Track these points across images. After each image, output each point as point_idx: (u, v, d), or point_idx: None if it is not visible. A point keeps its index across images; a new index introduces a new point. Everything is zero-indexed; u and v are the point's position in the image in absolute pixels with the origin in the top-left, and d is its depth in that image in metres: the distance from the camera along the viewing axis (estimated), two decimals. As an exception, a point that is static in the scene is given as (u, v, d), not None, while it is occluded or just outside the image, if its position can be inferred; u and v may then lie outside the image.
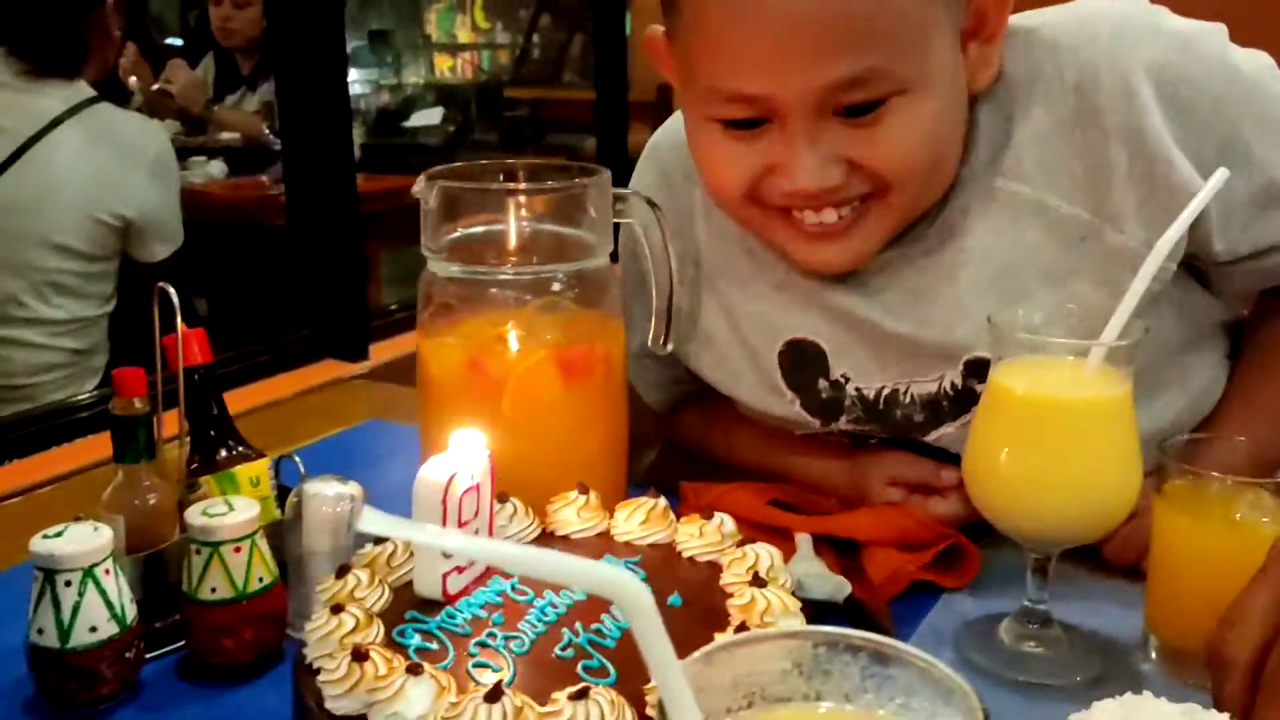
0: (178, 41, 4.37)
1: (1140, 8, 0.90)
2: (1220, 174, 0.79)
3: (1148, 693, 0.68)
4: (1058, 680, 0.81)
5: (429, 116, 4.75)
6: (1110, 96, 0.86)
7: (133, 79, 3.11)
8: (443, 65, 6.59)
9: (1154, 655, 0.84)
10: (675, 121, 1.07)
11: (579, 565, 0.34)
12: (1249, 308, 1.03)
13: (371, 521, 0.34)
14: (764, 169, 0.87)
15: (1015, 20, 0.90)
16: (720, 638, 0.69)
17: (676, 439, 1.21)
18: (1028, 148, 0.89)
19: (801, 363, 1.00)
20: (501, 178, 0.96)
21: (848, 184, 0.86)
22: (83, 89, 2.10)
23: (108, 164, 2.10)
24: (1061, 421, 0.80)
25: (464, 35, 6.80)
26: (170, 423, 0.92)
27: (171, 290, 0.88)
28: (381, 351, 2.09)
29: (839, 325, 0.97)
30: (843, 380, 0.99)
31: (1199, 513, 0.81)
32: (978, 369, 0.91)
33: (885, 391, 0.98)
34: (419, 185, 0.91)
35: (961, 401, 0.94)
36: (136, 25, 3.57)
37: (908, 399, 0.97)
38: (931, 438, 0.98)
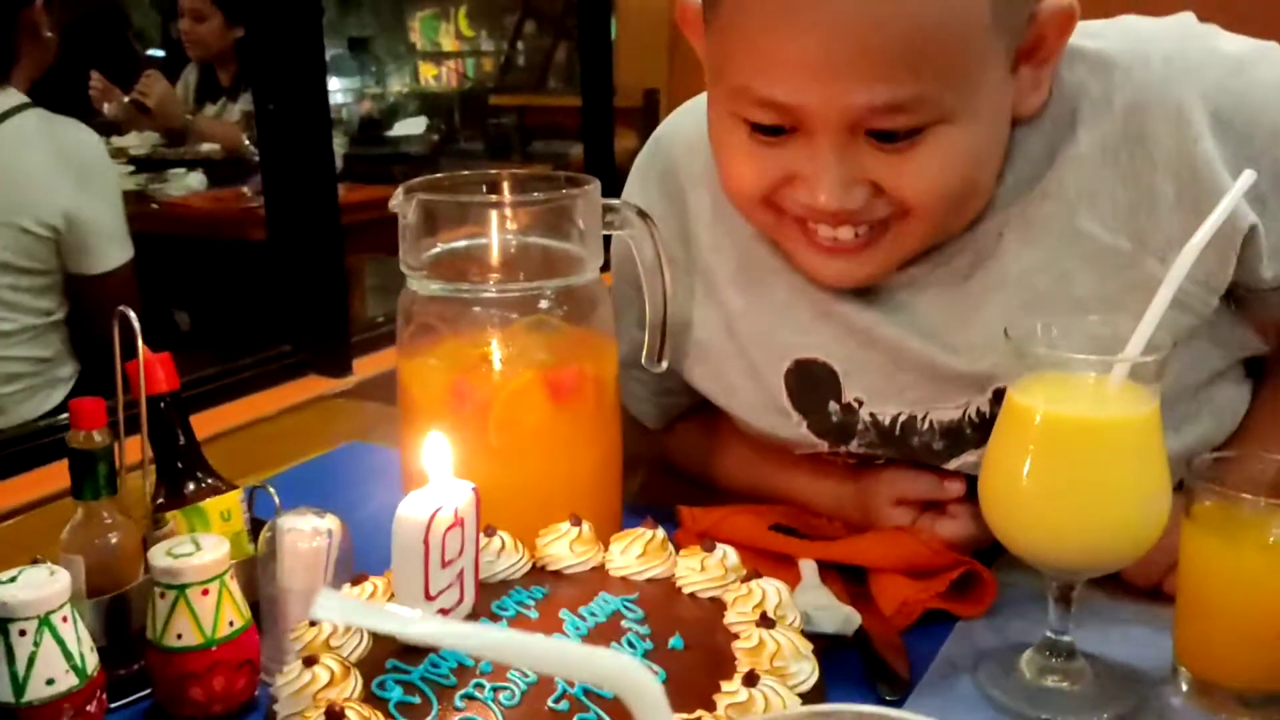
0: (159, 53, 4.33)
1: (1196, 30, 0.86)
2: (1247, 175, 0.75)
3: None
4: (1084, 718, 0.76)
5: (412, 125, 4.71)
6: (1161, 124, 0.82)
7: (106, 105, 3.06)
8: (427, 73, 6.55)
9: (1185, 688, 0.79)
10: (681, 118, 1.02)
11: (574, 653, 0.29)
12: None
13: (329, 610, 0.29)
14: (785, 177, 0.83)
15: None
16: (723, 696, 0.64)
17: (668, 457, 1.16)
18: (1069, 172, 0.85)
19: (810, 384, 0.94)
20: (484, 190, 0.90)
21: (870, 206, 0.81)
22: (12, 95, 2.04)
23: (34, 172, 2.03)
24: (1084, 442, 0.75)
25: (448, 43, 6.76)
26: (134, 453, 0.86)
27: (132, 314, 0.83)
28: (365, 366, 2.03)
29: (854, 344, 0.92)
30: (856, 404, 0.93)
31: (1231, 535, 0.77)
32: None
33: (903, 418, 0.92)
34: (396, 199, 0.86)
35: (987, 429, 0.84)
36: (117, 39, 3.52)
37: (926, 426, 0.92)
38: (952, 465, 0.93)
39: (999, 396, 0.84)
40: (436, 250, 0.87)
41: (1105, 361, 0.75)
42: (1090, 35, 0.86)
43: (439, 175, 0.90)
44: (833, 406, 0.94)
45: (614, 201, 0.90)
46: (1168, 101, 0.81)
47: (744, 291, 0.96)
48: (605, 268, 0.92)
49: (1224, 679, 0.77)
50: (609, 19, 3.95)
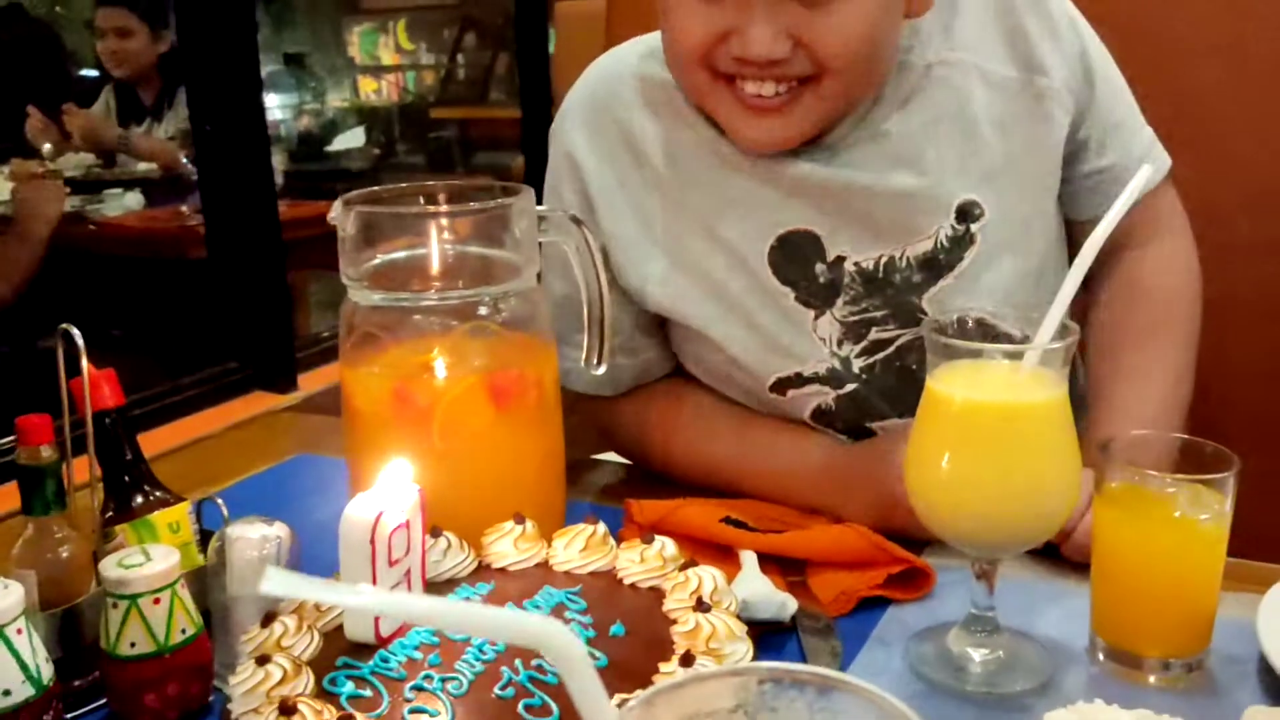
0: (93, 73, 4.29)
1: None
2: (1145, 169, 0.80)
3: (1099, 700, 0.67)
4: (1007, 688, 0.80)
5: (352, 139, 4.70)
6: None
7: (45, 145, 3.02)
8: (367, 88, 6.52)
9: (1101, 657, 0.83)
10: (606, 60, 1.13)
11: (501, 618, 0.32)
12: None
13: (276, 582, 0.31)
14: (722, 32, 0.94)
15: None
16: (665, 667, 0.67)
17: (616, 435, 1.17)
18: (961, 30, 1.04)
19: (794, 254, 1.04)
20: (421, 201, 0.93)
21: (791, 59, 0.94)
22: None
23: None
24: (999, 426, 0.79)
25: (387, 57, 6.73)
26: (81, 470, 0.87)
27: (75, 331, 0.84)
28: (311, 381, 2.05)
29: (833, 205, 1.02)
30: (842, 257, 1.03)
31: (1140, 512, 0.81)
32: (967, 213, 1.02)
33: (884, 259, 1.03)
34: (335, 211, 0.88)
35: (954, 249, 1.03)
36: (50, 63, 3.47)
37: (904, 263, 1.03)
38: (929, 294, 1.04)
39: (960, 215, 1.03)
40: (376, 261, 0.89)
41: (1017, 350, 0.79)
42: None
43: (377, 188, 0.93)
44: (819, 268, 1.04)
45: (547, 210, 0.93)
46: None
47: (711, 192, 1.05)
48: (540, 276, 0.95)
49: (1137, 647, 0.82)
50: (547, 32, 3.98)
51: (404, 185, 0.94)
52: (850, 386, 1.06)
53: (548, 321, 0.94)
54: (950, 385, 0.79)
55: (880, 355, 1.05)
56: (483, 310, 0.89)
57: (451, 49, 6.45)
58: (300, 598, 0.30)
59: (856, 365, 1.05)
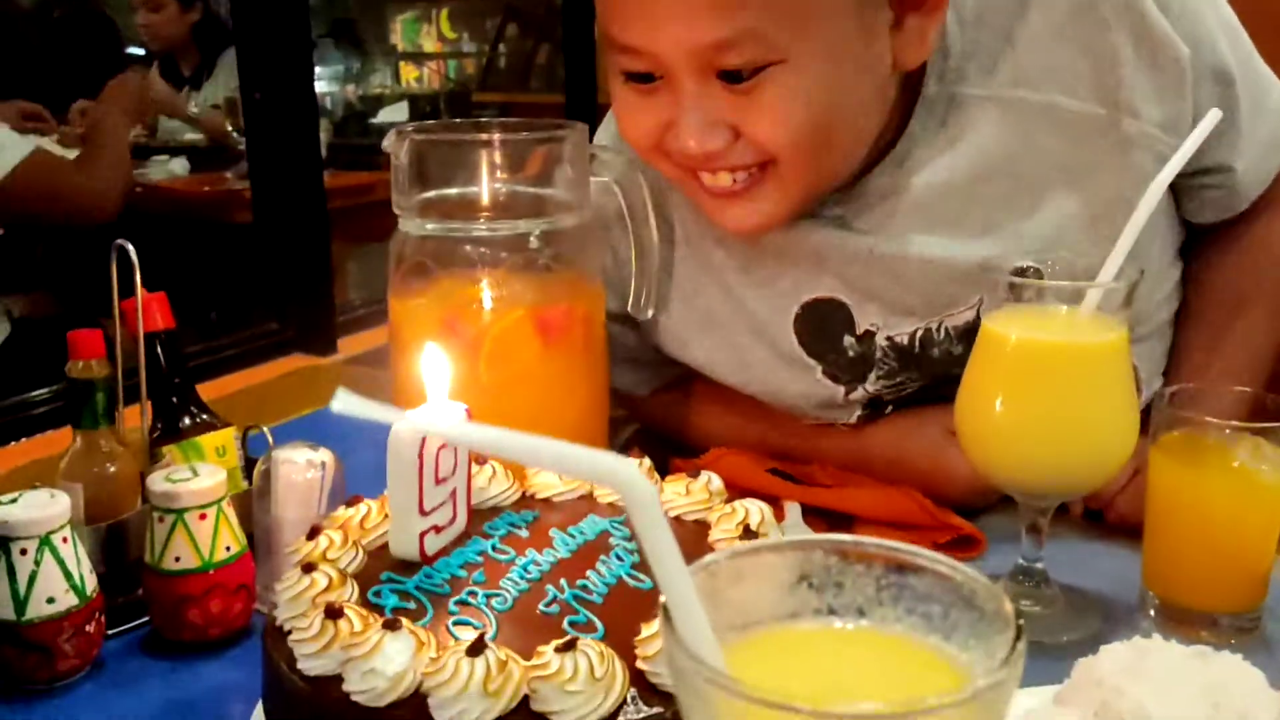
0: (140, 51, 4.33)
1: None
2: (1214, 114, 0.78)
3: (1157, 636, 0.66)
4: (1056, 638, 0.79)
5: (396, 113, 4.72)
6: None
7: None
8: (409, 75, 6.55)
9: (1152, 613, 0.82)
10: None
11: (576, 453, 0.31)
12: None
13: (345, 403, 0.31)
14: (662, 125, 0.86)
15: None
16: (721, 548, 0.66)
17: (650, 424, 1.15)
18: (1028, 53, 0.88)
19: (821, 324, 0.96)
20: (475, 133, 0.93)
21: (732, 150, 0.85)
22: None
23: None
24: (1056, 368, 0.77)
25: (429, 45, 6.77)
26: (133, 413, 0.88)
27: (130, 248, 0.84)
28: (350, 345, 2.05)
29: (858, 271, 0.93)
30: (872, 330, 0.95)
31: (1196, 462, 0.79)
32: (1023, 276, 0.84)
33: (919, 333, 0.94)
34: (389, 140, 0.88)
35: None
36: (107, 44, 3.51)
37: (943, 335, 0.94)
38: None
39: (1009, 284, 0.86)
40: (428, 193, 0.89)
41: (1077, 290, 0.77)
42: None
43: (430, 121, 0.92)
44: (848, 341, 0.95)
45: (600, 145, 0.93)
46: None
47: (733, 249, 0.97)
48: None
49: (1190, 602, 0.80)
50: (592, 20, 3.97)
51: (458, 120, 0.94)
52: (888, 410, 1.01)
53: (597, 259, 0.93)
54: (1007, 325, 0.78)
55: (918, 397, 0.99)
56: (533, 244, 0.88)
57: (494, 38, 6.47)
58: (370, 418, 0.30)
59: (889, 409, 1.01)
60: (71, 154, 2.31)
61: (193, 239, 2.60)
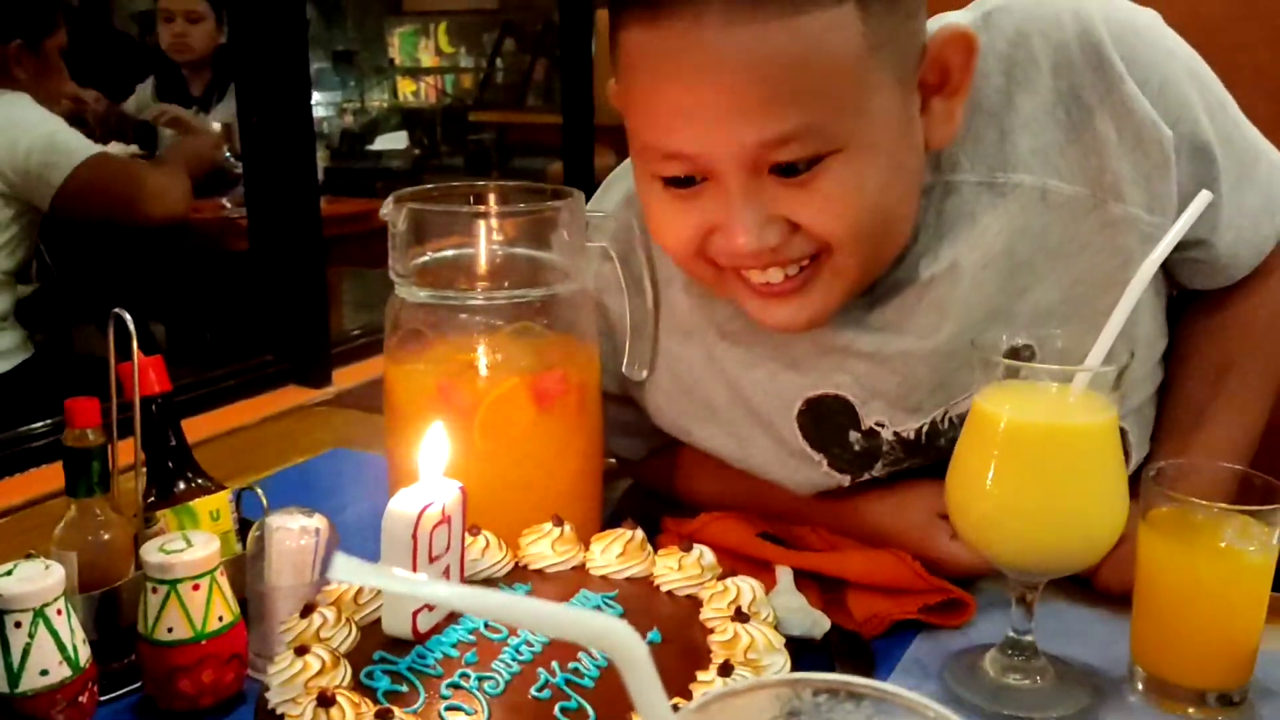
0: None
1: None
2: (1204, 196, 0.79)
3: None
4: (1045, 714, 0.79)
5: (394, 140, 4.73)
6: (1085, 72, 0.86)
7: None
8: (406, 89, 6.57)
9: (1140, 687, 0.82)
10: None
11: (566, 616, 0.31)
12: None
13: (344, 570, 0.31)
14: (706, 228, 0.84)
15: (962, 14, 0.90)
16: (703, 676, 0.66)
17: (641, 482, 1.15)
18: (1020, 137, 0.88)
19: (825, 419, 0.95)
20: (472, 200, 0.93)
21: (789, 244, 0.83)
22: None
23: None
24: (1047, 448, 0.78)
25: (427, 59, 6.79)
26: (126, 454, 0.88)
27: (127, 316, 0.85)
28: (345, 378, 2.05)
29: (864, 369, 0.93)
30: (878, 428, 0.95)
31: (1185, 540, 0.80)
32: (1016, 355, 0.84)
33: (925, 427, 0.94)
34: (387, 208, 0.88)
35: None
36: (107, 43, 3.51)
37: (947, 424, 0.94)
38: None
39: (1008, 368, 0.84)
40: (425, 258, 0.90)
41: (1067, 372, 0.78)
42: (989, 5, 0.90)
43: (428, 186, 0.93)
44: (853, 436, 0.95)
45: (597, 212, 0.93)
46: (1087, 49, 0.86)
47: (737, 342, 0.96)
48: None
49: (1178, 678, 0.81)
50: (590, 38, 3.99)
51: (455, 184, 0.94)
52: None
53: (593, 325, 0.94)
54: (998, 405, 0.79)
55: (918, 462, 0.98)
56: (528, 311, 0.89)
57: (491, 54, 6.49)
58: (369, 585, 0.30)
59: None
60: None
61: (187, 266, 2.60)
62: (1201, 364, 1.00)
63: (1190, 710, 0.80)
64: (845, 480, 0.98)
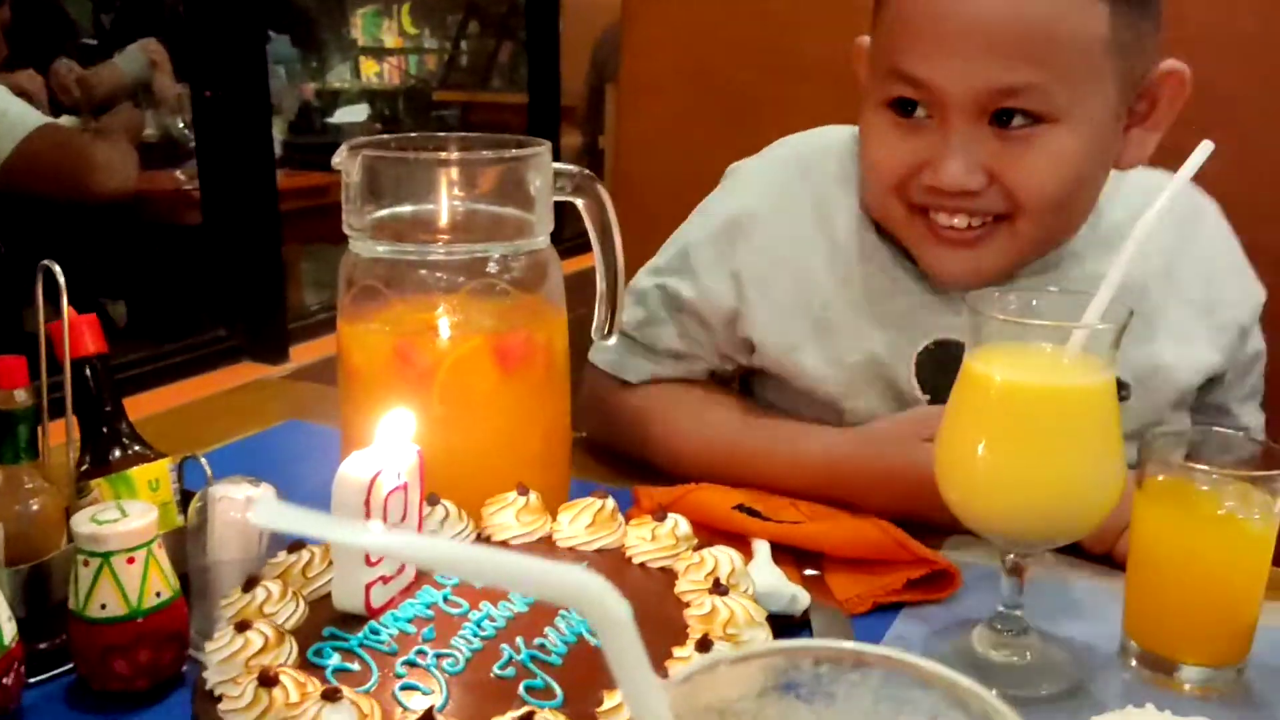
0: (91, 41, 4.24)
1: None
2: (1206, 145, 0.75)
3: (1150, 705, 0.62)
4: (1035, 691, 0.76)
5: (354, 113, 4.64)
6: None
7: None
8: (369, 70, 6.47)
9: (1133, 662, 0.79)
10: (814, 132, 1.11)
11: (531, 567, 0.26)
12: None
13: (267, 514, 0.26)
14: (918, 163, 0.93)
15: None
16: (679, 652, 0.62)
17: (622, 430, 1.10)
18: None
19: (943, 366, 0.99)
20: (432, 150, 0.87)
21: (984, 193, 0.92)
22: None
23: None
24: (1041, 410, 0.74)
25: (390, 40, 6.69)
26: (58, 421, 0.82)
27: (57, 269, 0.79)
28: (303, 354, 1.99)
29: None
30: None
31: (1183, 507, 0.76)
32: (1122, 388, 0.94)
33: None
34: (340, 156, 0.83)
35: None
36: (59, 36, 3.40)
37: None
38: None
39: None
40: (381, 212, 0.84)
41: (1063, 329, 0.74)
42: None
43: (385, 135, 0.87)
44: None
45: (566, 167, 0.88)
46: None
47: (886, 270, 1.02)
48: (556, 236, 0.90)
49: (1172, 652, 0.77)
50: (556, 19, 3.95)
51: (414, 135, 0.89)
52: None
53: (560, 284, 0.89)
54: (990, 365, 0.74)
55: None
56: (491, 268, 0.83)
57: (455, 35, 6.42)
58: (294, 531, 0.25)
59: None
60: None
61: (139, 240, 2.51)
62: None
63: (1185, 686, 0.76)
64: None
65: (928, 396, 1.01)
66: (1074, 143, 0.90)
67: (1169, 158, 0.96)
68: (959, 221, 0.93)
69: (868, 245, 1.03)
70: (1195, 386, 1.02)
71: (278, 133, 2.96)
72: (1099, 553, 0.90)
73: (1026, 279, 0.99)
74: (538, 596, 0.60)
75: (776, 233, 1.04)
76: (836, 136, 1.08)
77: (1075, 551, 0.91)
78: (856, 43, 1.01)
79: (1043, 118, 0.89)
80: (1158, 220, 0.74)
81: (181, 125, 2.79)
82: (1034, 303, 0.78)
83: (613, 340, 0.94)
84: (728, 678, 0.35)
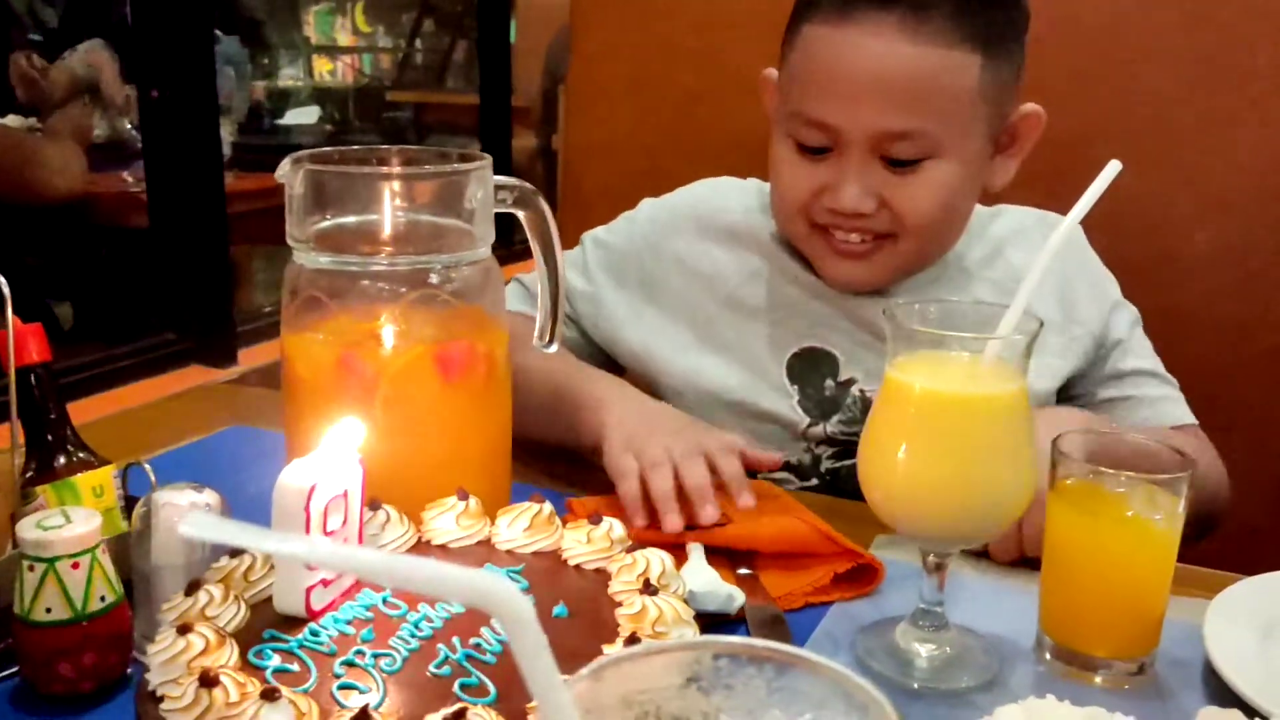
0: (37, 38, 4.17)
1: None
2: (1114, 165, 0.79)
3: (1051, 696, 0.66)
4: (956, 683, 0.79)
5: (305, 115, 4.61)
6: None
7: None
8: (322, 68, 6.41)
9: (1048, 656, 0.82)
10: (717, 185, 1.27)
11: (446, 573, 0.29)
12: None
13: (197, 525, 0.28)
14: (820, 187, 1.08)
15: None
16: (609, 650, 0.64)
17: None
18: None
19: (813, 365, 1.17)
20: (375, 163, 0.89)
21: (875, 215, 1.07)
22: None
23: None
24: (958, 417, 0.77)
25: (344, 39, 6.63)
26: (1, 429, 0.83)
27: (2, 279, 0.80)
28: (251, 357, 1.99)
29: (860, 333, 1.15)
30: (850, 381, 1.16)
31: (1092, 509, 0.80)
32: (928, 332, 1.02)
33: None
34: (283, 169, 0.84)
35: None
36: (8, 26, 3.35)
37: None
38: None
39: None
40: (325, 224, 0.86)
41: (979, 340, 0.78)
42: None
43: (329, 148, 0.89)
44: (829, 384, 1.16)
45: (507, 180, 0.90)
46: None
47: (757, 290, 1.18)
48: (497, 247, 0.92)
49: (1084, 646, 0.81)
50: (509, 20, 3.95)
51: (357, 147, 0.90)
52: (812, 481, 1.17)
53: (501, 295, 0.91)
54: (909, 374, 0.78)
55: (849, 462, 1.13)
56: (433, 279, 0.85)
57: (410, 34, 6.38)
58: (223, 542, 0.27)
59: (825, 465, 1.17)
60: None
61: (86, 242, 2.49)
62: None
63: (1097, 679, 0.80)
64: (804, 422, 1.16)
65: (796, 390, 1.16)
66: (951, 174, 1.05)
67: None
68: (854, 238, 1.09)
69: (739, 275, 1.19)
70: (1053, 391, 1.14)
71: (227, 134, 2.93)
72: (1004, 562, 0.94)
73: (908, 290, 1.14)
74: (451, 599, 0.63)
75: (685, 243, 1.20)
76: (731, 194, 1.24)
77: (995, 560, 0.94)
78: (764, 75, 1.15)
79: (925, 154, 1.04)
80: (1066, 235, 0.77)
81: (129, 126, 2.77)
82: (952, 315, 0.81)
83: (554, 348, 0.97)
84: (635, 671, 0.38)
